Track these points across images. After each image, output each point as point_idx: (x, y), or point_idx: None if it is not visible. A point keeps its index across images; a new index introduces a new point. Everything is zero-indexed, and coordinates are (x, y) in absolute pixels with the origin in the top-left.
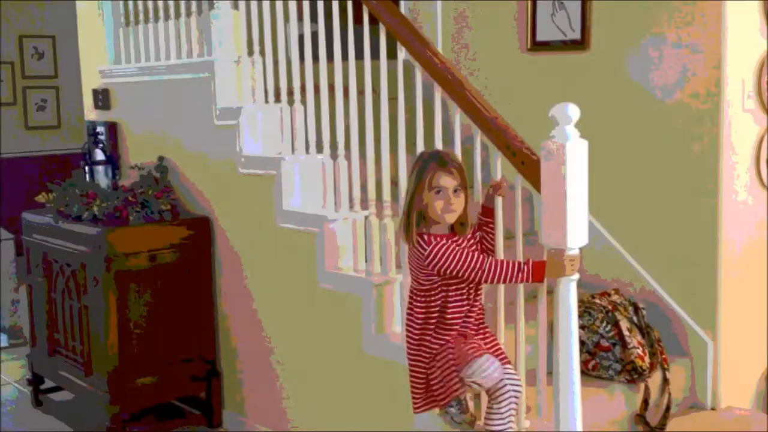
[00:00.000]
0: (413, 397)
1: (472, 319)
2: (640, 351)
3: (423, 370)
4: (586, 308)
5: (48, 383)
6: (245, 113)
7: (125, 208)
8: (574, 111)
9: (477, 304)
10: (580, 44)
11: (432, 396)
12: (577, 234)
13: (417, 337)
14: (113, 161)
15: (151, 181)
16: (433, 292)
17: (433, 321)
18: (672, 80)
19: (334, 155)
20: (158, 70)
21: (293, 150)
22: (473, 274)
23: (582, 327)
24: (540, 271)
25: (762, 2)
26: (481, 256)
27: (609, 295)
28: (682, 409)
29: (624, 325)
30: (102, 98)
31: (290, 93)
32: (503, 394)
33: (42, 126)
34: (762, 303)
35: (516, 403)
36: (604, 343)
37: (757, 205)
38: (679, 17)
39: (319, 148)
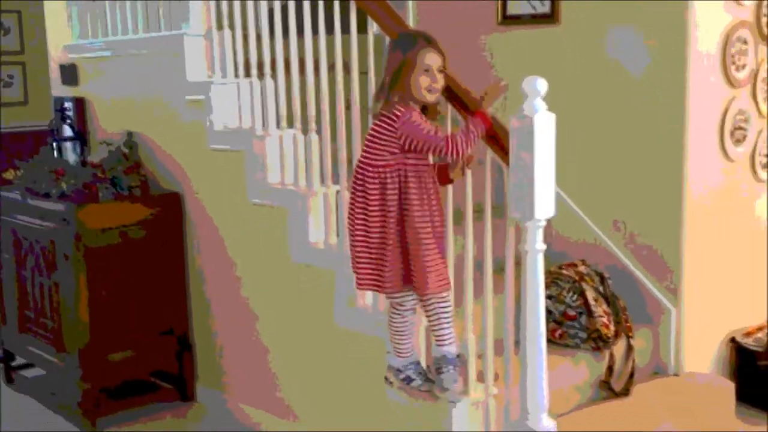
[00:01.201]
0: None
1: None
2: (605, 320)
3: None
4: (553, 279)
5: (19, 360)
6: (215, 88)
7: (94, 185)
8: (542, 85)
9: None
10: (550, 18)
11: (375, 278)
12: (544, 205)
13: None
14: (82, 137)
15: (120, 157)
16: (388, 169)
17: (392, 203)
18: (639, 54)
19: (305, 130)
20: (126, 45)
21: (264, 125)
22: (435, 144)
23: (549, 297)
24: (484, 118)
25: None
26: (443, 132)
27: (576, 265)
28: (645, 375)
29: (590, 294)
30: (69, 74)
31: (260, 67)
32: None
33: (9, 102)
34: (723, 272)
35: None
36: (571, 313)
37: (721, 177)
38: None
39: (290, 123)
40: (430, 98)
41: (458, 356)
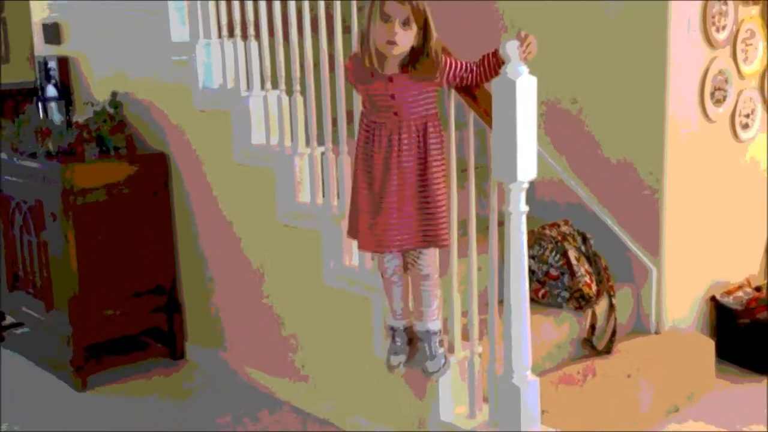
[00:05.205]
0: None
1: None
2: (587, 279)
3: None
4: (536, 239)
5: (9, 319)
6: (200, 48)
7: (80, 145)
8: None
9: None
10: None
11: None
12: (526, 167)
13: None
14: (67, 97)
15: (106, 117)
16: (365, 116)
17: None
18: (620, 15)
19: (289, 91)
20: (109, 4)
21: (249, 85)
22: None
23: (532, 257)
24: None
25: None
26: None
27: (558, 225)
28: (627, 333)
29: (572, 254)
30: (52, 32)
31: (244, 27)
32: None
33: None
34: (703, 230)
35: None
36: (554, 272)
37: (702, 137)
38: None
39: (274, 84)
40: (390, 52)
41: (440, 331)
